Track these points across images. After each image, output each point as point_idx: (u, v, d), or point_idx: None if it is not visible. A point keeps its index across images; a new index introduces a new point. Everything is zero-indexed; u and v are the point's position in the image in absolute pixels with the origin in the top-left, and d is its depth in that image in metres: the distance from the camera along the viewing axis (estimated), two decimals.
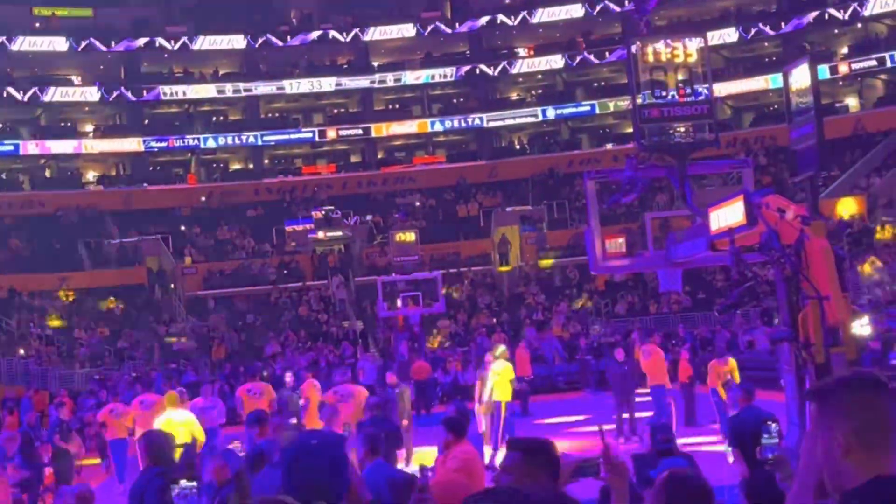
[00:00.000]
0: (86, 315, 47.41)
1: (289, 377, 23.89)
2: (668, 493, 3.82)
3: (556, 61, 60.25)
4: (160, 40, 58.78)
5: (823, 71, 52.02)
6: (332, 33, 60.27)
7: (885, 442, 3.25)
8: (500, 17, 60.26)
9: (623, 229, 29.17)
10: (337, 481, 3.57)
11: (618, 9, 56.55)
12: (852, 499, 3.23)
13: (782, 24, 56.29)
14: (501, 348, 21.81)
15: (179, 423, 17.35)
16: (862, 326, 12.07)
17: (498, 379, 20.42)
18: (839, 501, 3.32)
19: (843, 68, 54.93)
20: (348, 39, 60.48)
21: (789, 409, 12.80)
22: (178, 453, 10.89)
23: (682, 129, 15.17)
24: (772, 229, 11.88)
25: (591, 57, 59.09)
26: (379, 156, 62.53)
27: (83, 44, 57.13)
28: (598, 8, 58.24)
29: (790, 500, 3.84)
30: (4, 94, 56.61)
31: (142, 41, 58.55)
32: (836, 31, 56.62)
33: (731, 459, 12.00)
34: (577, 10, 59.13)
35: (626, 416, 22.72)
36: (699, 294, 42.20)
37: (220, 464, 8.98)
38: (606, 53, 58.28)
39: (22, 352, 42.58)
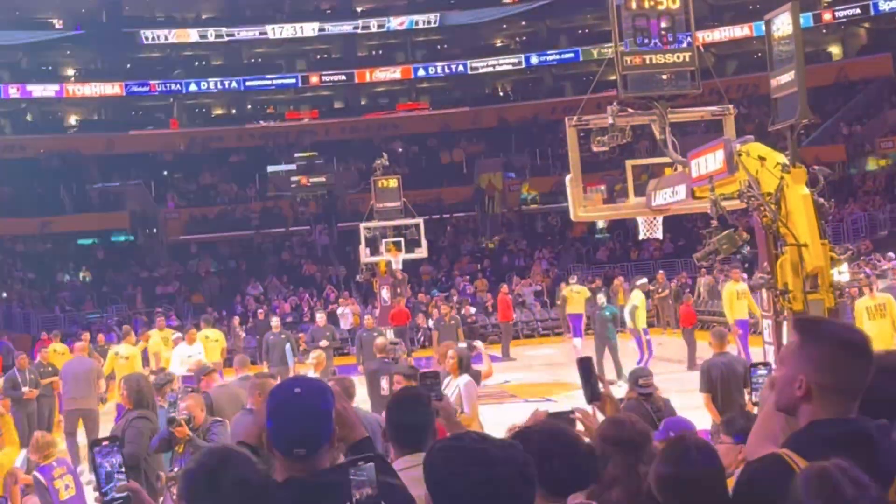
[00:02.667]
0: (68, 259, 47.36)
1: (275, 322, 24.01)
2: (675, 461, 3.87)
3: (539, 7, 59.95)
4: None
5: (808, 19, 51.89)
6: None
7: (844, 404, 3.31)
8: None
9: (604, 176, 29.32)
10: (320, 429, 3.62)
11: None
12: (791, 445, 3.30)
13: None
14: (643, 280, 28.57)
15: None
16: (840, 273, 12.15)
17: (639, 308, 25.04)
18: (782, 442, 3.39)
19: (827, 16, 54.86)
20: None
21: (766, 354, 12.93)
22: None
23: (665, 77, 15.18)
24: (752, 176, 11.95)
25: (575, 2, 58.81)
26: (362, 102, 62.33)
27: None
28: None
29: (759, 420, 3.92)
30: None
31: None
32: None
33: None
34: None
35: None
36: (680, 241, 42.39)
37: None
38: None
39: (4, 295, 42.59)
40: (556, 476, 3.81)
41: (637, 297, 25.97)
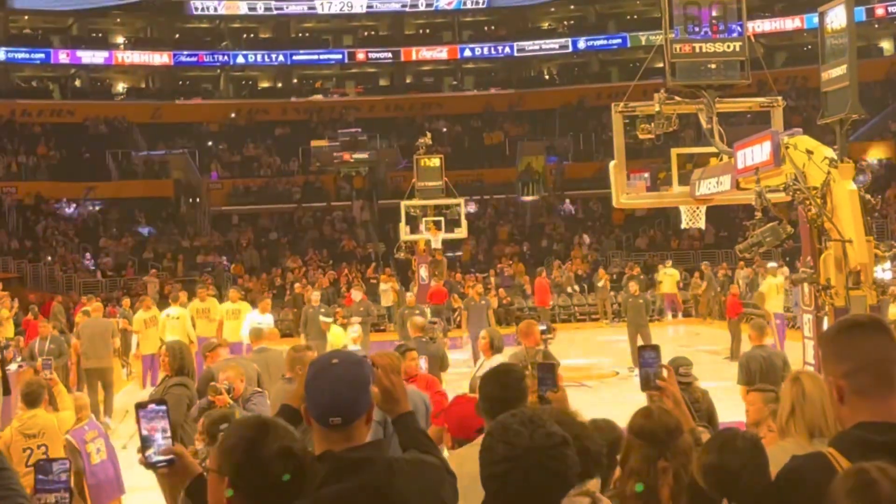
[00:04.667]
0: (111, 225, 47.69)
1: (315, 296, 24.06)
2: (720, 450, 3.90)
3: None
4: None
5: (860, 13, 51.43)
6: None
7: (878, 387, 3.27)
8: None
9: (648, 164, 29.22)
10: (355, 398, 3.66)
11: None
12: (836, 445, 3.29)
13: None
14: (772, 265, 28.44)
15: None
16: (884, 271, 12.06)
17: (769, 293, 24.47)
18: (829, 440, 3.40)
19: (880, 11, 54.34)
20: None
21: (805, 349, 12.89)
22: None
23: (714, 67, 15.09)
24: (798, 170, 11.89)
25: None
26: (407, 80, 62.32)
27: None
28: None
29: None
30: (37, 3, 56.57)
31: None
32: None
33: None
34: None
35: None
36: (722, 232, 42.23)
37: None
38: None
39: (49, 259, 43.00)
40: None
41: (767, 284, 25.58)
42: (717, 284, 34.17)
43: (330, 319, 21.68)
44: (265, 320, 20.19)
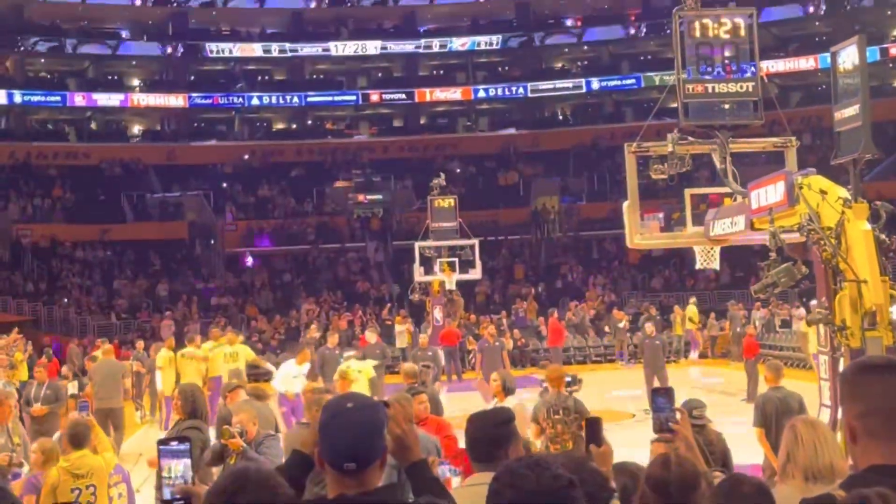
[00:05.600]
0: (125, 267, 47.77)
1: (333, 338, 23.94)
2: (728, 498, 3.88)
3: (604, 32, 59.98)
4: None
5: (874, 52, 51.48)
6: None
7: (889, 430, 3.24)
8: None
9: (662, 204, 29.17)
10: (370, 443, 3.63)
11: None
12: (847, 487, 3.25)
13: (834, 2, 55.74)
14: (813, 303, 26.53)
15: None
16: None
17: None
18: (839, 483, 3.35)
19: (894, 51, 54.33)
20: (395, 3, 60.38)
21: (821, 391, 12.79)
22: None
23: (727, 107, 15.06)
24: (812, 210, 11.83)
25: (639, 29, 58.81)
26: (421, 121, 62.46)
27: None
28: None
29: None
30: (53, 46, 57.03)
31: None
32: (888, 13, 55.95)
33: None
34: None
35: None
36: (737, 272, 42.10)
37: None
38: (651, 26, 57.92)
39: (65, 300, 43.07)
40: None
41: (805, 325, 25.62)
42: (738, 325, 33.94)
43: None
44: (300, 371, 19.49)
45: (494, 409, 5.70)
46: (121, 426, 19.60)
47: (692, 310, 36.53)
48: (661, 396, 5.10)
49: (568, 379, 12.35)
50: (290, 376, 19.09)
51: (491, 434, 5.08)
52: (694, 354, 36.16)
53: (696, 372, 33.71)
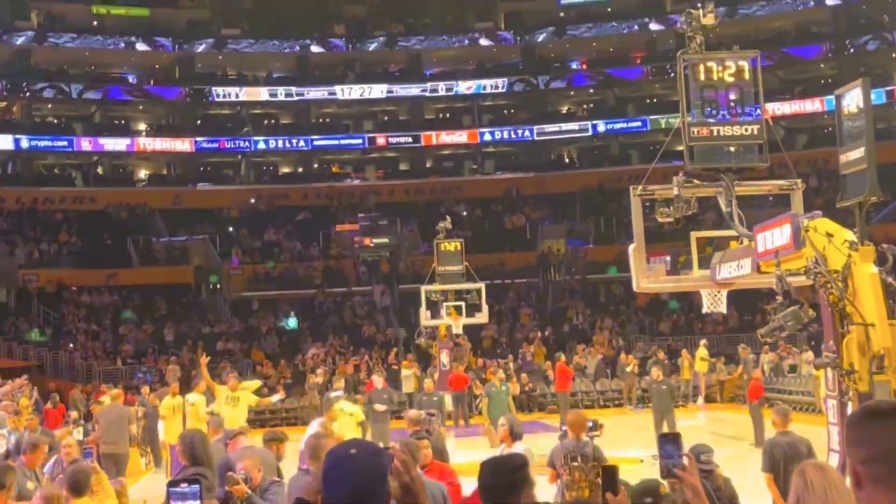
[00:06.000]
0: (132, 312, 47.73)
1: (339, 383, 23.86)
2: None
3: (608, 75, 60.19)
4: (215, 42, 59.11)
5: (880, 95, 51.63)
6: (385, 40, 60.41)
7: (893, 477, 3.19)
8: (554, 30, 60.15)
9: (669, 248, 29.10)
10: (373, 489, 3.57)
11: (672, 26, 56.28)
12: None
13: (839, 46, 55.89)
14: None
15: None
16: None
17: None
18: None
19: None
20: (401, 47, 60.63)
21: (830, 435, 12.67)
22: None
23: (732, 150, 15.02)
24: (819, 253, 11.76)
25: (644, 72, 58.99)
26: (427, 164, 62.57)
27: (138, 43, 57.47)
28: (651, 25, 57.98)
29: None
30: (60, 91, 57.29)
31: (196, 42, 58.90)
32: (894, 55, 56.08)
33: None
34: (630, 27, 58.98)
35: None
36: (745, 315, 41.95)
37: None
38: (657, 69, 58.09)
39: (71, 346, 43.01)
40: None
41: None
42: (751, 369, 33.46)
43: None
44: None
45: (508, 454, 5.65)
46: (123, 471, 19.50)
47: (703, 352, 36.30)
48: (668, 442, 5.03)
49: (589, 424, 12.28)
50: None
51: (505, 481, 5.08)
52: (700, 399, 35.86)
53: (705, 416, 33.51)
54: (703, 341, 37.80)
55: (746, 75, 15.08)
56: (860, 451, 3.25)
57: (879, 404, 3.42)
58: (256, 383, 23.03)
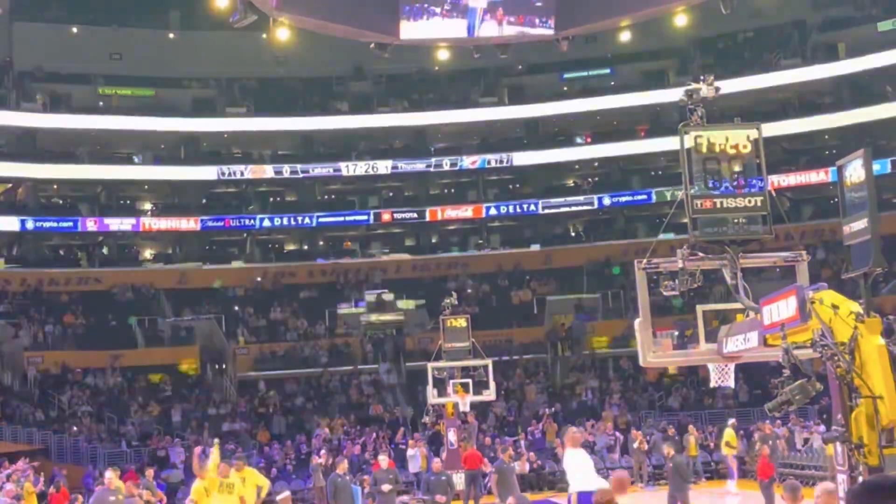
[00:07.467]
0: (136, 394, 47.43)
1: (343, 464, 23.56)
2: None
3: (614, 149, 60.23)
4: (219, 121, 59.27)
5: (885, 165, 51.60)
6: (390, 116, 60.58)
7: None
8: (557, 104, 60.30)
9: (676, 321, 28.87)
10: None
11: (675, 99, 56.25)
12: None
13: (842, 116, 55.95)
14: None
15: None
16: None
17: None
18: None
19: None
20: (405, 123, 60.78)
21: None
22: None
23: (736, 222, 14.90)
24: (825, 325, 11.57)
25: (649, 145, 59.03)
26: (433, 240, 62.51)
27: (144, 123, 57.62)
28: (654, 98, 58.09)
29: None
30: (66, 171, 57.37)
31: (201, 121, 59.07)
32: None
33: None
34: (634, 100, 59.12)
35: None
36: (755, 390, 41.55)
37: None
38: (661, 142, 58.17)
39: (75, 429, 42.69)
40: None
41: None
42: (774, 445, 32.22)
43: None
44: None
45: None
46: None
47: (730, 433, 34.38)
48: None
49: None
50: None
51: None
52: (731, 484, 33.35)
53: (718, 493, 32.91)
54: (732, 421, 35.45)
55: (749, 147, 14.98)
56: None
57: (881, 479, 3.37)
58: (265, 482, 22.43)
